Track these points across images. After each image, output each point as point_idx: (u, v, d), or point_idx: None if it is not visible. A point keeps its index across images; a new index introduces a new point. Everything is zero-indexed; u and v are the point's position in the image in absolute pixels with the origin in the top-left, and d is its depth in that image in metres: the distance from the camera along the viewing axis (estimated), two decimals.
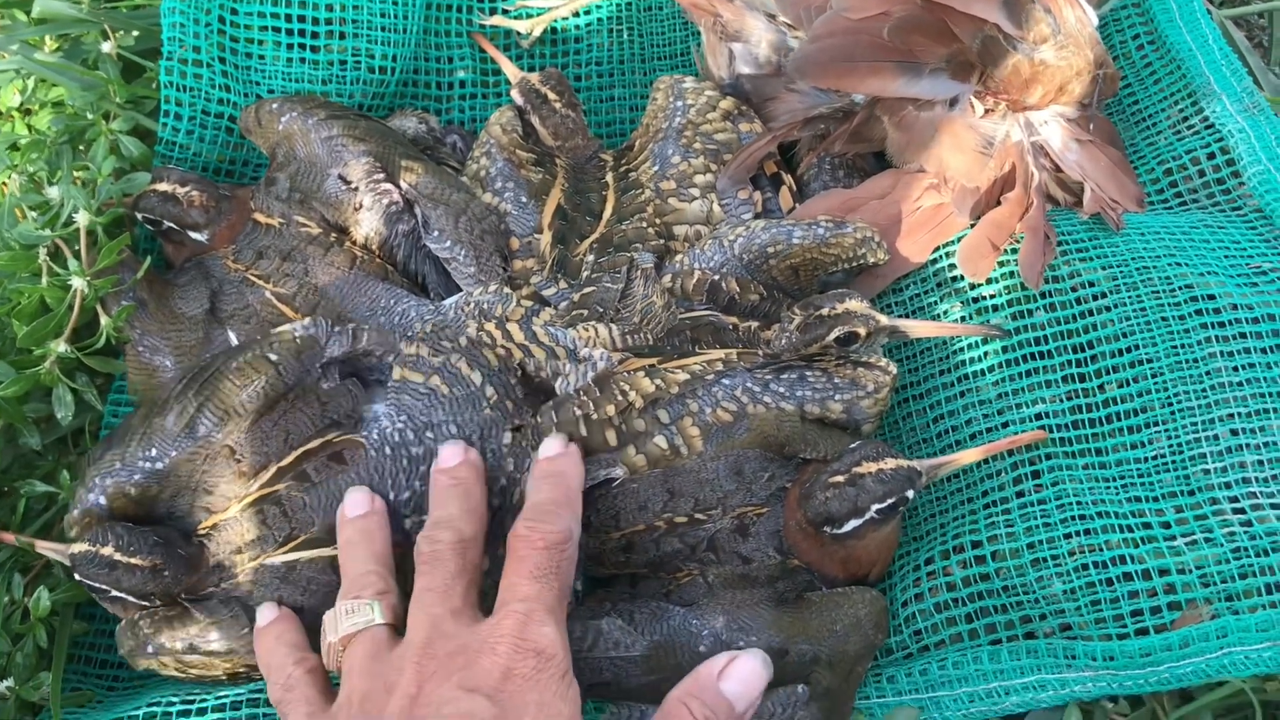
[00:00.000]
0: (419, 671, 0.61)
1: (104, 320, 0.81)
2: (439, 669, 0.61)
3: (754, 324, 0.81)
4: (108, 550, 0.72)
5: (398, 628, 0.66)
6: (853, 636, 0.71)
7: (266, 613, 0.71)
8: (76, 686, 0.78)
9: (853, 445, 0.73)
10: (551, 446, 0.73)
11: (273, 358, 0.76)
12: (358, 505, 0.72)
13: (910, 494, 0.71)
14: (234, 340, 0.82)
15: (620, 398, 0.75)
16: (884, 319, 0.78)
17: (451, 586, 0.65)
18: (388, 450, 0.75)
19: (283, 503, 0.74)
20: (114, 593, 0.73)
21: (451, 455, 0.72)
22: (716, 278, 0.82)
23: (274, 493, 0.74)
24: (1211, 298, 0.80)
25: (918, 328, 0.80)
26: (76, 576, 0.73)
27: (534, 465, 0.72)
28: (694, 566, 0.74)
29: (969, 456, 0.74)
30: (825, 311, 0.77)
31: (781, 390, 0.76)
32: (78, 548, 0.72)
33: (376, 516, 0.72)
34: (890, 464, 0.70)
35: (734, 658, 0.66)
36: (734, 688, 0.65)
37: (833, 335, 0.76)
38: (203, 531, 0.75)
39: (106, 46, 0.91)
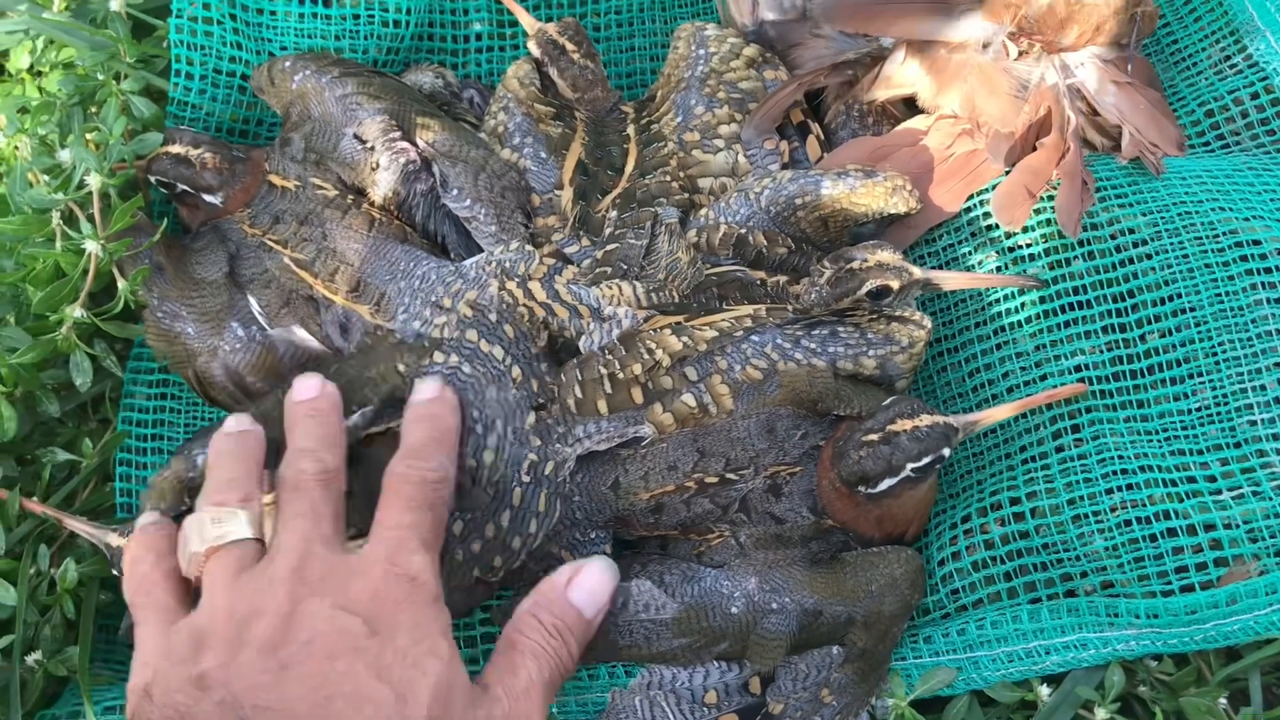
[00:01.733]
0: (291, 593, 0.60)
1: (121, 284, 0.80)
2: (311, 591, 0.60)
3: (782, 278, 0.79)
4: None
5: (264, 544, 0.65)
6: (888, 597, 0.70)
7: (147, 516, 0.70)
8: (104, 658, 0.78)
9: (887, 402, 0.71)
10: (425, 390, 0.72)
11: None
12: (239, 423, 0.70)
13: (946, 452, 0.69)
14: (255, 307, 0.80)
15: (647, 356, 0.74)
16: (917, 271, 0.75)
17: (319, 513, 0.64)
18: None
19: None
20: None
21: (308, 387, 0.71)
22: (743, 231, 0.80)
23: None
24: (1257, 243, 0.77)
25: (952, 279, 0.78)
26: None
27: (408, 408, 0.71)
28: (725, 528, 0.73)
29: (1006, 411, 0.72)
30: (856, 264, 0.74)
31: (813, 346, 0.74)
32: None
33: (254, 436, 0.70)
34: (926, 421, 0.68)
35: (579, 567, 0.67)
36: (581, 596, 0.66)
37: (864, 289, 0.74)
38: None
39: (115, 4, 0.89)
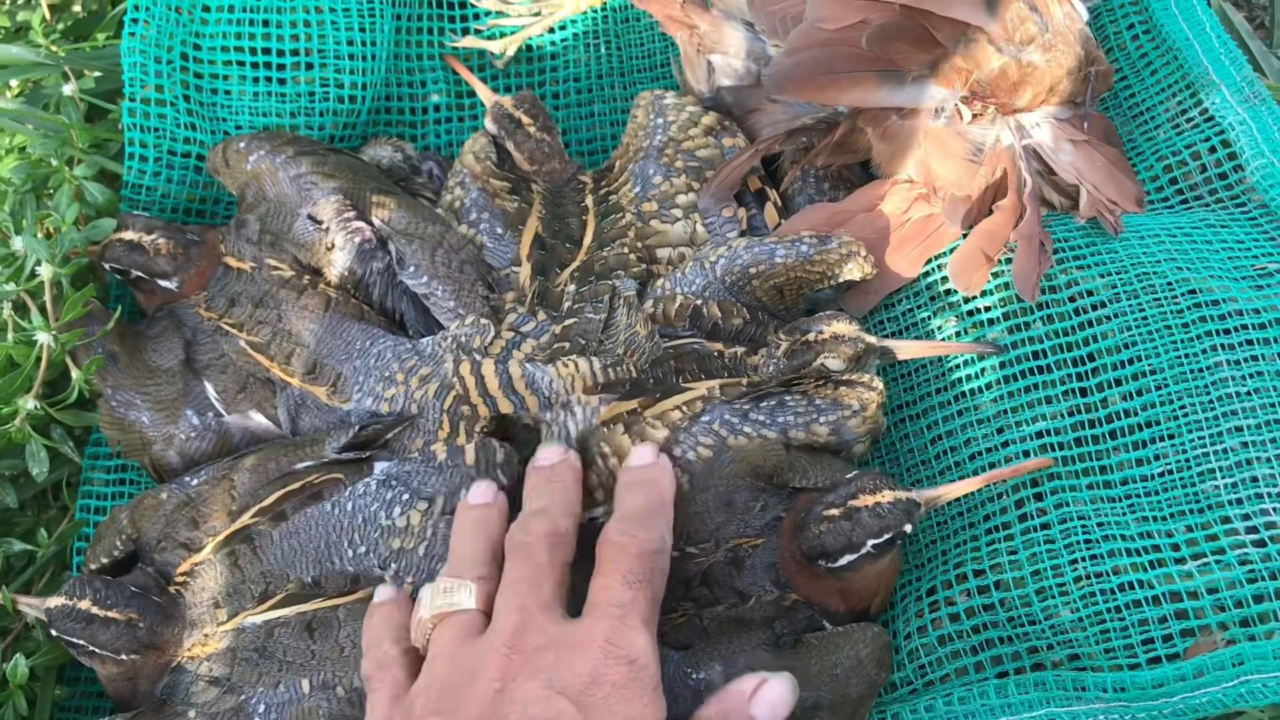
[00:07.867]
0: (506, 664, 0.60)
1: (75, 373, 0.79)
2: (526, 664, 0.60)
3: (740, 349, 0.78)
4: (84, 604, 0.71)
5: (489, 617, 0.65)
6: (854, 678, 0.69)
7: (386, 591, 0.70)
8: None
9: (850, 475, 0.70)
10: (642, 455, 0.71)
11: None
12: (482, 495, 0.70)
13: (908, 528, 0.68)
14: (211, 393, 0.80)
15: (600, 463, 0.73)
16: (873, 339, 0.75)
17: (542, 579, 0.64)
18: (366, 497, 0.73)
19: (253, 539, 0.72)
20: (91, 648, 0.71)
21: (551, 455, 0.71)
22: (699, 302, 0.79)
23: (245, 528, 0.72)
24: (1216, 303, 0.77)
25: (909, 348, 0.77)
26: (54, 632, 0.71)
27: (623, 473, 0.71)
28: (689, 606, 0.72)
29: (970, 485, 0.71)
30: (812, 336, 0.74)
31: (761, 419, 0.73)
32: (54, 602, 0.71)
33: (496, 510, 0.70)
34: (888, 497, 0.68)
35: (764, 680, 0.65)
36: (763, 712, 0.64)
37: (820, 360, 0.73)
38: (180, 578, 0.73)
39: (68, 89, 0.89)
